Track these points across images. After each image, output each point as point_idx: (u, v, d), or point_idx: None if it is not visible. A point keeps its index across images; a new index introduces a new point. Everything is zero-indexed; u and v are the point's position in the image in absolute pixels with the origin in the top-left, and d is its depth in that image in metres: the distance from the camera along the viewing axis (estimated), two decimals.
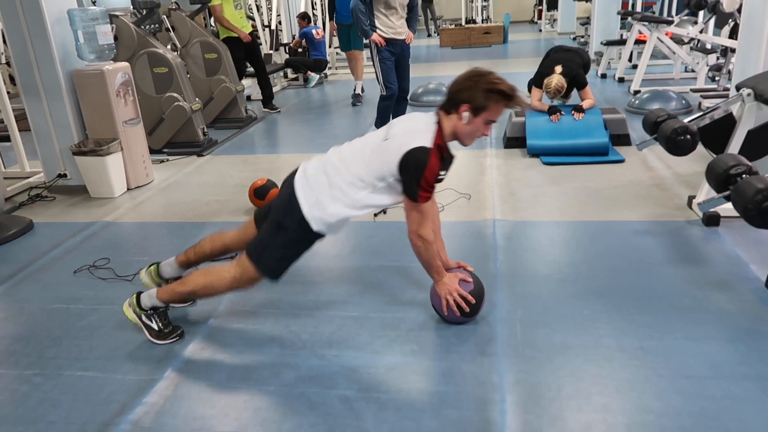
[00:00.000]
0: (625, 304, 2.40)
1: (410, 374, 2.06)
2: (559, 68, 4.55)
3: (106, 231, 3.52)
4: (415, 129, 2.10)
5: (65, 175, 4.24)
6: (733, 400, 1.84)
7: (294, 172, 2.23)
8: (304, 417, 1.87)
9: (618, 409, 1.83)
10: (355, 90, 7.08)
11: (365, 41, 5.59)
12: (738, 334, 2.17)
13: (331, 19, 7.27)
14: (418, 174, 2.03)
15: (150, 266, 2.54)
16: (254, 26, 7.68)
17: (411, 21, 4.87)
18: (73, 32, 3.93)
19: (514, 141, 4.63)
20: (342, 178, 2.12)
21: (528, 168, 4.24)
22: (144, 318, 2.30)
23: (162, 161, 4.96)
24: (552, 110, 4.53)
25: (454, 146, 2.20)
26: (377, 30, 4.68)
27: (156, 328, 2.30)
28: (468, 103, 2.04)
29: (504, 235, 3.13)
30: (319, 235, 2.17)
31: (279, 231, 2.16)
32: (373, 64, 4.84)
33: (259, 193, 3.64)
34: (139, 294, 2.33)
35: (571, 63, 4.64)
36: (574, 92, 4.83)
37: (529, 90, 4.90)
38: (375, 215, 3.41)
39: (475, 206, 3.57)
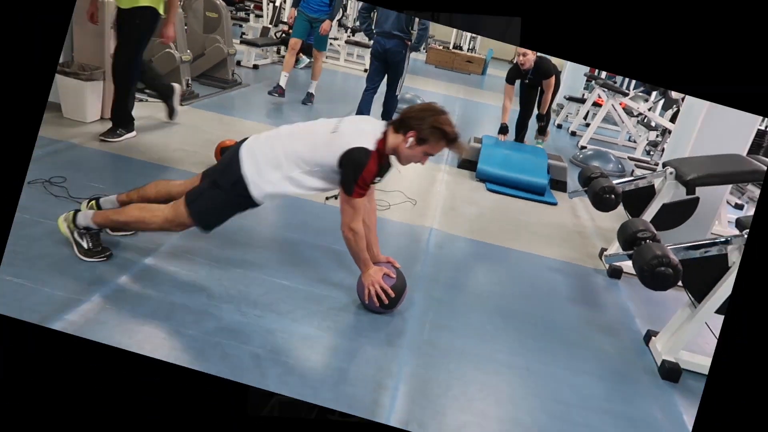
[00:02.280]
0: (524, 327, 2.49)
1: (320, 347, 2.07)
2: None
3: (69, 152, 3.37)
4: (363, 131, 2.18)
5: None
6: (590, 428, 1.94)
7: (242, 141, 2.27)
8: (213, 364, 1.85)
9: (493, 417, 1.90)
10: (309, 89, 6.24)
11: (328, 42, 5.99)
12: (610, 374, 2.29)
13: (295, 6, 5.92)
14: (356, 172, 2.10)
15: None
16: None
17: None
18: None
19: (467, 163, 4.71)
20: (285, 151, 2.17)
21: (473, 190, 4.32)
22: (76, 235, 2.26)
23: (141, 100, 4.78)
24: (503, 129, 4.92)
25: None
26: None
27: (85, 246, 2.26)
28: (415, 131, 2.11)
29: (437, 243, 3.19)
30: (251, 201, 2.19)
31: (214, 188, 2.19)
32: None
33: (224, 152, 3.56)
34: (76, 211, 2.30)
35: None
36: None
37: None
38: (327, 198, 3.39)
39: (418, 212, 3.61)
